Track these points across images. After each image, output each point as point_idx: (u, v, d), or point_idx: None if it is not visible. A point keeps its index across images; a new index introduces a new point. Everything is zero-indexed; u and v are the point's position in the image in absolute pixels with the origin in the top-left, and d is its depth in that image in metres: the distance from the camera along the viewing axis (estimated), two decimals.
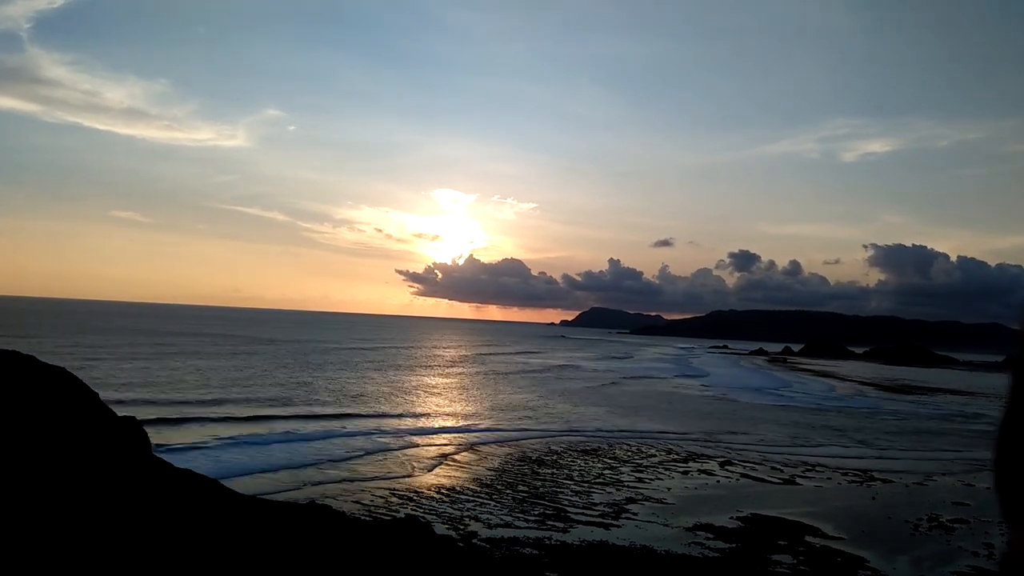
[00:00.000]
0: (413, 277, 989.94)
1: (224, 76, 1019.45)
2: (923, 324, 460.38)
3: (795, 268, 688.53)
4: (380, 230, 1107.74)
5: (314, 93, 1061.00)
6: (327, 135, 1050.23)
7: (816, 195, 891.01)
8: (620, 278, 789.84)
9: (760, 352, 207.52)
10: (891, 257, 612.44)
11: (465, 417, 45.38)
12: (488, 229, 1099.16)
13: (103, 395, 13.35)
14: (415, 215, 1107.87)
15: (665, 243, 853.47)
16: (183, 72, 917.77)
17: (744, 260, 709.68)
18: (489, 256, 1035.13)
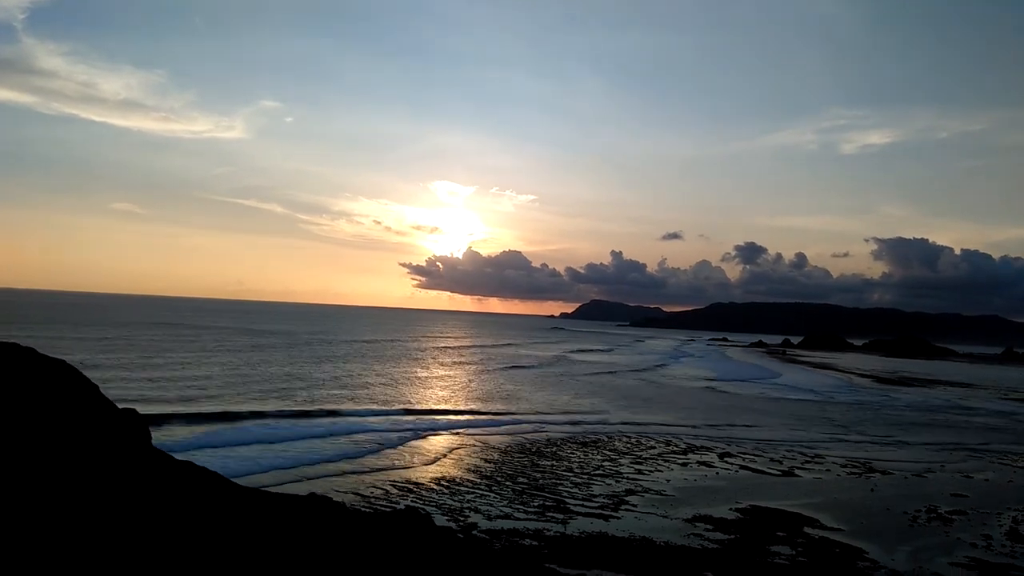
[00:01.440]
0: (417, 270, 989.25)
1: (220, 67, 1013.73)
2: (923, 316, 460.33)
3: (801, 261, 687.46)
4: (379, 222, 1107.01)
5: (311, 84, 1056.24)
6: (324, 126, 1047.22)
7: (818, 187, 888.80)
8: (625, 271, 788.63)
9: (759, 344, 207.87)
10: (896, 250, 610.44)
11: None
12: (487, 221, 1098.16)
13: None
14: (413, 207, 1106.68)
15: (675, 236, 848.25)
16: (179, 63, 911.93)
17: (751, 253, 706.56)
18: (488, 248, 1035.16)
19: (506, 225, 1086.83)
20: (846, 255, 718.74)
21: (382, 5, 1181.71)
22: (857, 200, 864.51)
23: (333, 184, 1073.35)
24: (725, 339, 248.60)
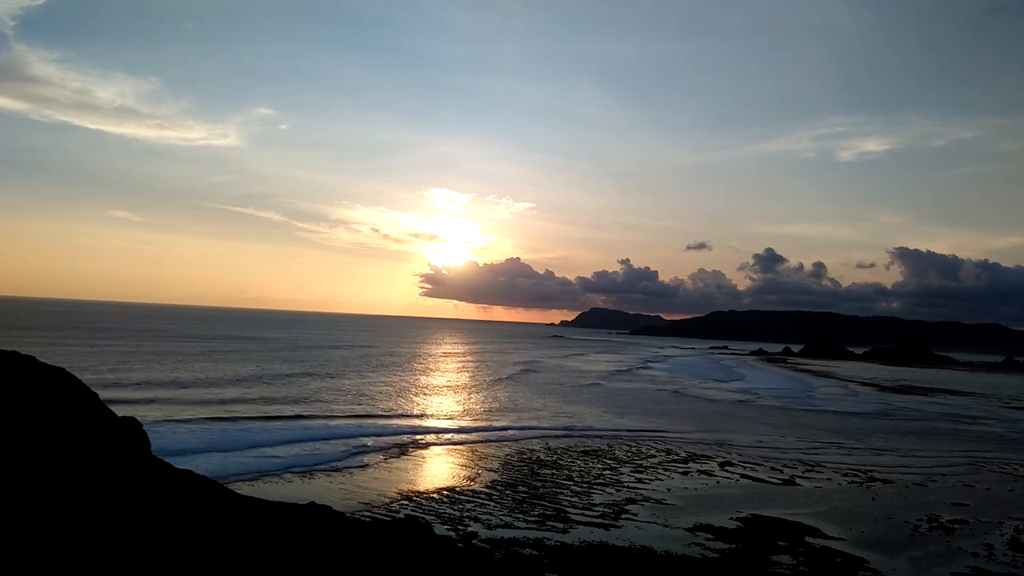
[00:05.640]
0: (428, 279, 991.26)
1: (213, 74, 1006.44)
2: (924, 324, 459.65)
3: (819, 270, 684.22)
4: (377, 230, 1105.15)
5: (305, 91, 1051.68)
6: (320, 134, 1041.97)
7: (819, 195, 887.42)
8: (635, 279, 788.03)
9: (760, 353, 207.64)
10: (907, 260, 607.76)
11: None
12: (485, 229, 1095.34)
13: None
14: (411, 215, 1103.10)
15: (702, 246, 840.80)
16: (172, 70, 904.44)
17: (767, 262, 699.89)
18: (487, 256, 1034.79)
19: (504, 233, 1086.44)
20: (872, 265, 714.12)
21: (377, 12, 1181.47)
22: (855, 208, 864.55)
23: (330, 192, 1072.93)
24: (725, 347, 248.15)
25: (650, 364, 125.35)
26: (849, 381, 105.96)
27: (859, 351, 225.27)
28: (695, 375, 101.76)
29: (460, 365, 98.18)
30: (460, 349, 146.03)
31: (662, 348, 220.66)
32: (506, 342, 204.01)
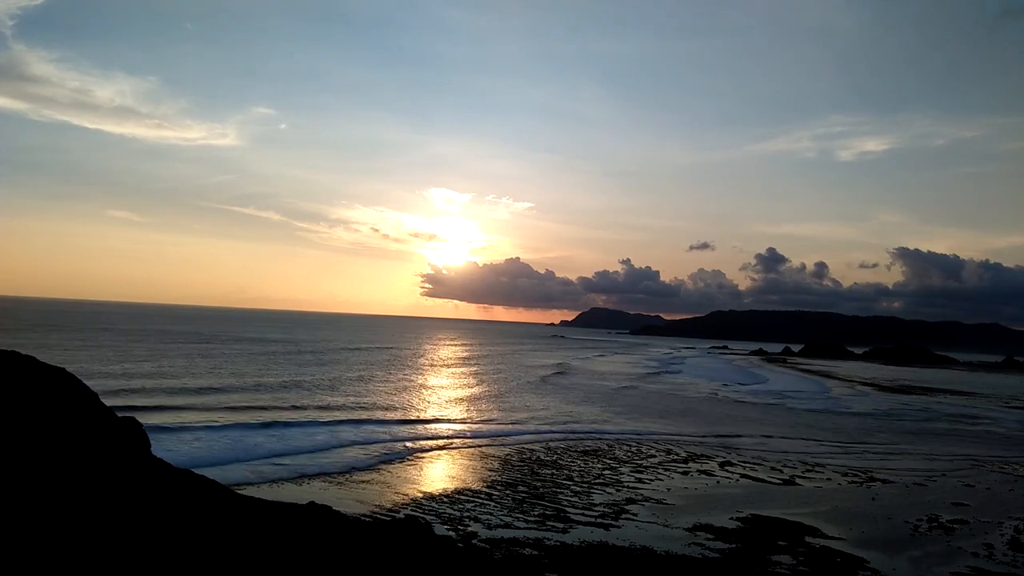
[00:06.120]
0: (428, 278, 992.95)
1: (213, 73, 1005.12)
2: (924, 324, 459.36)
3: (821, 270, 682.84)
4: (376, 230, 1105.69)
5: (305, 91, 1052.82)
6: (319, 134, 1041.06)
7: (820, 195, 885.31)
8: (637, 279, 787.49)
9: (760, 352, 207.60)
10: (908, 260, 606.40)
11: None
12: (484, 229, 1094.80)
13: None
14: (411, 215, 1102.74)
15: (705, 246, 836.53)
16: (171, 69, 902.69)
17: (769, 262, 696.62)
18: (488, 256, 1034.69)
19: (504, 232, 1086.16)
20: (875, 266, 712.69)
21: (377, 12, 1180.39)
22: (855, 208, 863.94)
23: (329, 191, 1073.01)
24: (725, 347, 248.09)
25: (672, 366, 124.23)
26: (851, 381, 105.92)
27: (859, 351, 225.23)
28: (721, 379, 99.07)
29: (484, 368, 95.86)
30: (475, 352, 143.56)
31: (674, 350, 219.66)
32: (514, 343, 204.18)
